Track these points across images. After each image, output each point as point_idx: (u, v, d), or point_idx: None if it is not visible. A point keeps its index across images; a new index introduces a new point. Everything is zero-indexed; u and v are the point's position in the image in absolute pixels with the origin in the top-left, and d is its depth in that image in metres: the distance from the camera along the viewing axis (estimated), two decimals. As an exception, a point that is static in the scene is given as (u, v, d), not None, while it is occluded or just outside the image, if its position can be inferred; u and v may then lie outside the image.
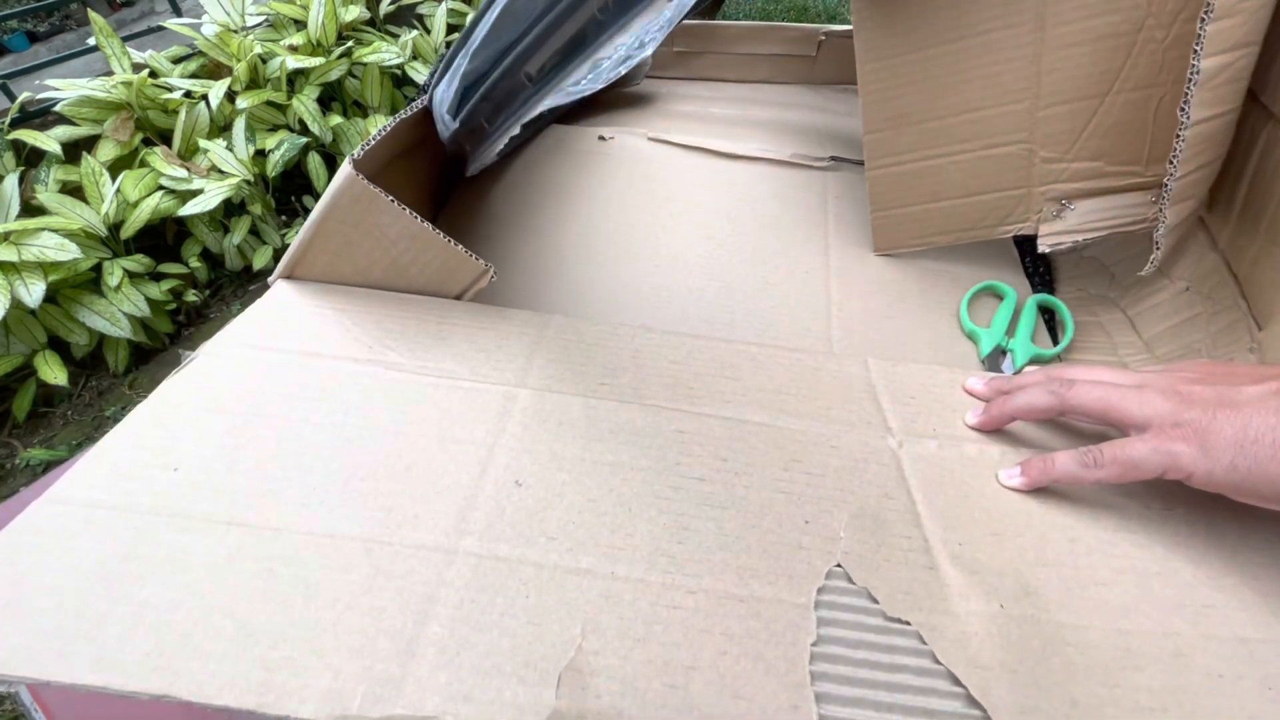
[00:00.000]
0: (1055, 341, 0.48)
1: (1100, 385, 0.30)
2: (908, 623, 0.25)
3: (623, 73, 0.46)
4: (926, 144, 0.47)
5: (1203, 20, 0.35)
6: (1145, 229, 0.44)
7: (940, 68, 0.44)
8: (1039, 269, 0.53)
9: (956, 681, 0.23)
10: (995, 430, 0.34)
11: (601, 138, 0.68)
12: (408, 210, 0.36)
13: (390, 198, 0.36)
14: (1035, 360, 0.46)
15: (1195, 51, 0.36)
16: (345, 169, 0.36)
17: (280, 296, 0.39)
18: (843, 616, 0.25)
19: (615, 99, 0.78)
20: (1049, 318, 0.49)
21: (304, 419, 0.31)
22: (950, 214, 0.50)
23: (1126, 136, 0.43)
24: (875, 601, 0.25)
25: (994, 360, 0.45)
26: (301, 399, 0.32)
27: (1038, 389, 0.32)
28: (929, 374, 0.37)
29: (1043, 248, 0.46)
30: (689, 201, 0.59)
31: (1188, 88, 0.37)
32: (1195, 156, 0.39)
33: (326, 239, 0.38)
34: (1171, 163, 0.39)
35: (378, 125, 1.43)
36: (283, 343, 0.35)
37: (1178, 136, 0.38)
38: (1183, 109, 0.37)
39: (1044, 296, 0.49)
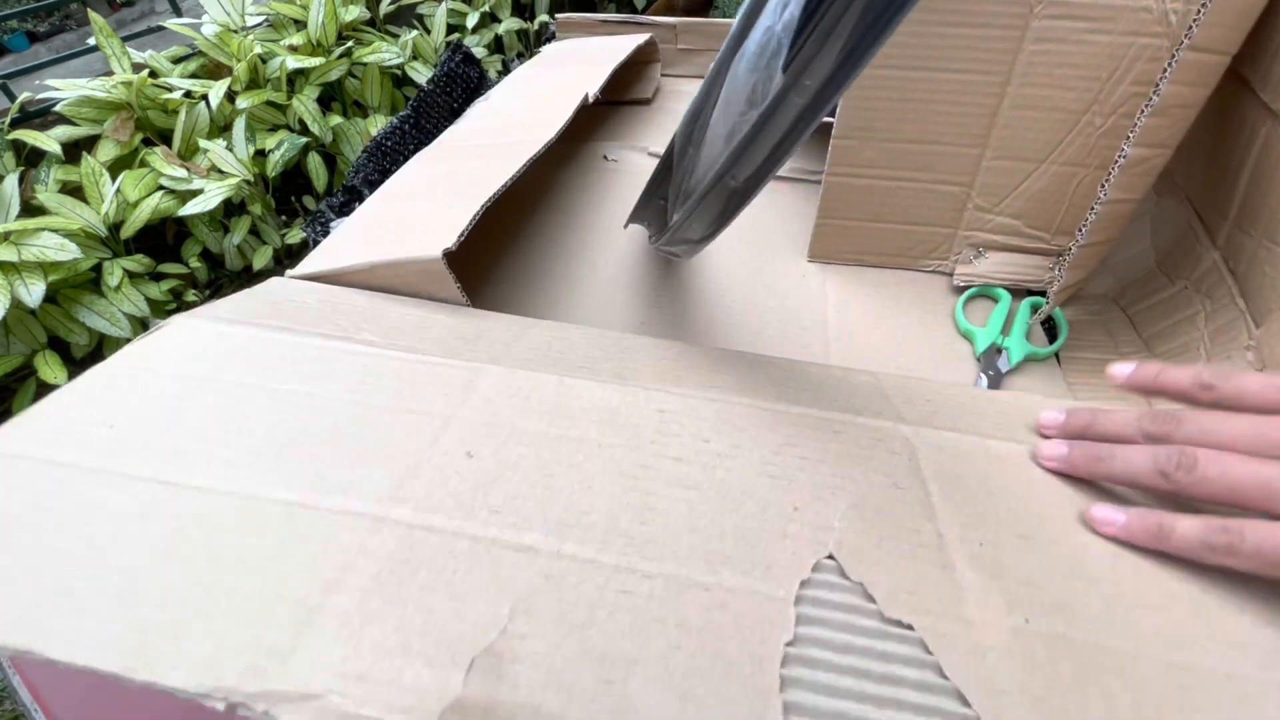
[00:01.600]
0: (1052, 340, 0.48)
1: (1230, 467, 0.22)
2: (910, 626, 0.21)
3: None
4: (885, 163, 0.48)
5: (1142, 112, 0.40)
6: (1039, 289, 0.50)
7: (917, 91, 0.45)
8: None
9: (965, 702, 0.19)
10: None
11: (606, 157, 0.69)
12: (464, 295, 0.38)
13: (458, 283, 0.37)
14: (1030, 358, 0.46)
15: (1128, 138, 0.41)
16: (435, 253, 0.36)
17: (272, 285, 0.39)
18: (830, 615, 0.21)
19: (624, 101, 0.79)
20: (1045, 319, 0.49)
21: (256, 385, 0.29)
22: (886, 237, 0.52)
23: (1046, 205, 0.47)
24: (872, 600, 0.22)
25: (989, 358, 0.46)
26: (258, 366, 0.30)
27: (1144, 462, 0.24)
28: (946, 386, 0.35)
29: (956, 282, 0.51)
30: None
31: (1111, 169, 0.42)
32: (1100, 230, 0.44)
33: (371, 277, 0.39)
34: (1080, 231, 0.44)
35: (378, 125, 1.43)
36: (256, 319, 0.35)
37: (1092, 209, 0.43)
38: (1103, 186, 0.43)
39: (1038, 299, 0.49)
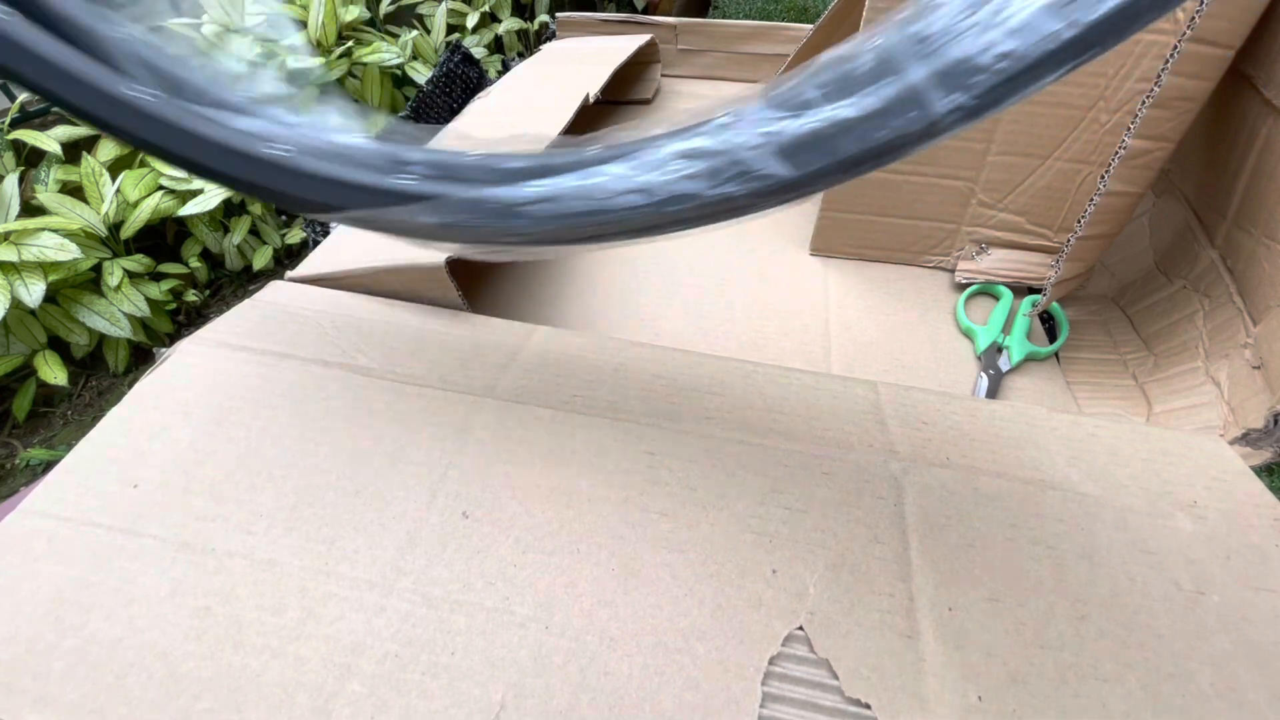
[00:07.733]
0: (1052, 339, 0.48)
1: None
2: (868, 706, 0.22)
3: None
4: None
5: (1143, 104, 0.40)
6: (1041, 287, 0.49)
7: None
8: (1036, 267, 0.53)
9: None
10: None
11: None
12: (463, 299, 0.38)
13: (458, 289, 0.38)
14: (1031, 358, 0.46)
15: (1128, 129, 0.40)
16: (438, 259, 0.37)
17: (270, 295, 0.39)
18: (794, 693, 0.23)
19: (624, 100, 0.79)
20: (1046, 318, 0.49)
21: (264, 430, 0.31)
22: (890, 231, 0.52)
23: (1050, 201, 0.47)
24: (835, 677, 0.23)
25: (990, 357, 0.46)
26: (265, 406, 0.32)
27: None
28: (945, 400, 0.34)
29: (958, 279, 0.51)
30: None
31: (1111, 161, 0.42)
32: (1099, 224, 0.43)
33: (373, 281, 0.39)
34: (1079, 223, 0.43)
35: (378, 126, 1.43)
36: (258, 342, 0.35)
37: (1091, 201, 0.43)
38: (1102, 178, 0.42)
39: (1039, 298, 0.49)
